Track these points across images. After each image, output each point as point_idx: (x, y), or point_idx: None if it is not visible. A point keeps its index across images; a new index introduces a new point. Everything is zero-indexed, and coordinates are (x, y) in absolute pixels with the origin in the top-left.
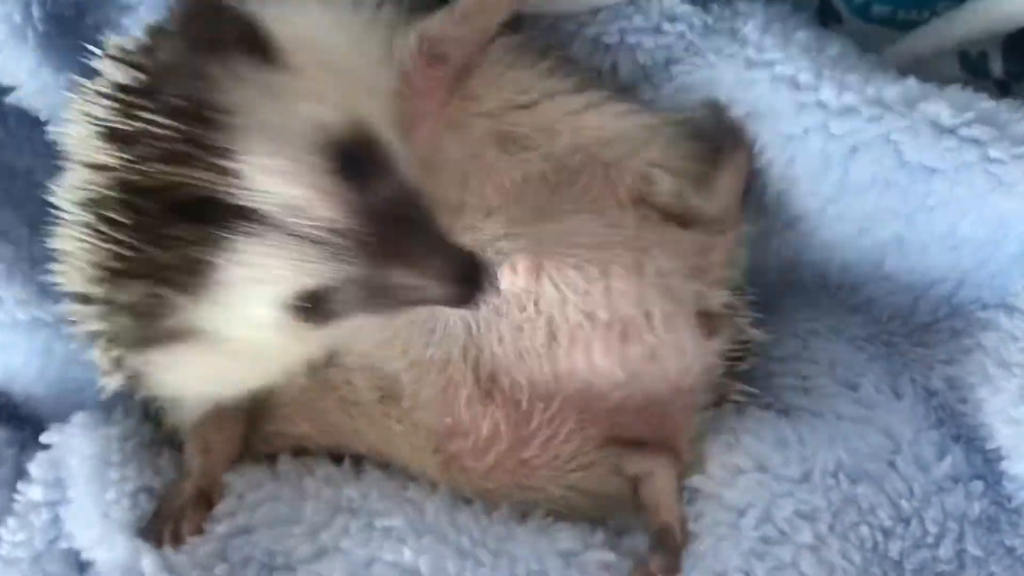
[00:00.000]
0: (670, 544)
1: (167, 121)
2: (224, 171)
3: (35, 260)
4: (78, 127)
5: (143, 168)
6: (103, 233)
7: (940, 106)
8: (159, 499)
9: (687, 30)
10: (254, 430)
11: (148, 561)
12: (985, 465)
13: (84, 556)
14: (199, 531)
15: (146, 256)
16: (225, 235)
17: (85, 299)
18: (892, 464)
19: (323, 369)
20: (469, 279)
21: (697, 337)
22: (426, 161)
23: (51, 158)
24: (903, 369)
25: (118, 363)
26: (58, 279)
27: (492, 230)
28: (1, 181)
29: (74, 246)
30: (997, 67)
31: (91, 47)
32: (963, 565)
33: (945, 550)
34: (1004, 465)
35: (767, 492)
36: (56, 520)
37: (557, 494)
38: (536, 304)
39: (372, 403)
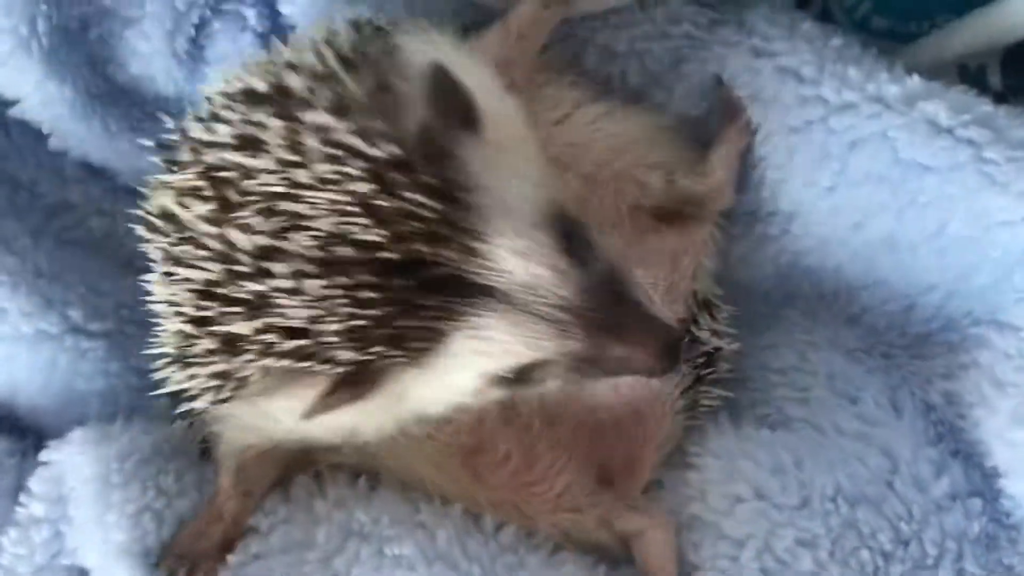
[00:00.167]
0: None
1: (425, 200)
2: (472, 251)
3: (39, 272)
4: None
5: (397, 244)
6: (334, 298)
7: (939, 106)
8: (181, 533)
9: (693, 28)
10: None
11: None
12: (984, 481)
13: None
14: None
15: (385, 322)
16: (466, 309)
17: (236, 340)
18: (891, 485)
19: None
20: (672, 353)
21: None
22: None
23: (54, 170)
24: (902, 382)
25: (215, 397)
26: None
27: None
28: (5, 192)
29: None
30: (996, 80)
31: None
32: None
33: (945, 571)
34: (1002, 483)
35: (766, 521)
36: (58, 535)
37: (548, 530)
38: None
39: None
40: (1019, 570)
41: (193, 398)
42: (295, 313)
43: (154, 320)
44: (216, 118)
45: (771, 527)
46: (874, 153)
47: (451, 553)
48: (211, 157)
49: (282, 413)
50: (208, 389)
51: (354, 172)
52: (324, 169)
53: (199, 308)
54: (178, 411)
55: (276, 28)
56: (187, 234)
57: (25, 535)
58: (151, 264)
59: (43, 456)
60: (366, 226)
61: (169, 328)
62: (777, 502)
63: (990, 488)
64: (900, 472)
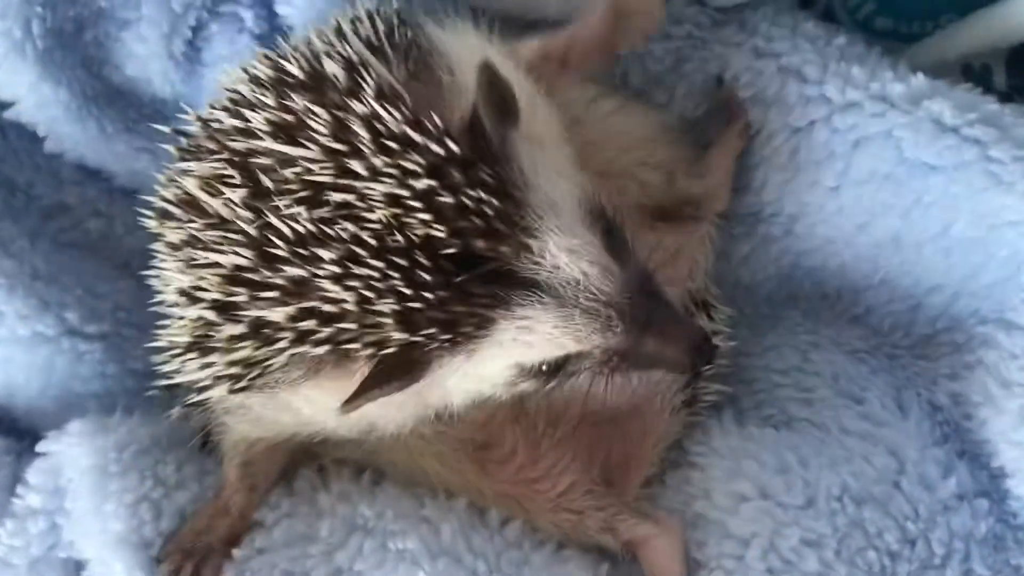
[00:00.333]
0: None
1: (484, 197)
2: (526, 247)
3: (36, 274)
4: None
5: (454, 238)
6: (391, 278)
7: (944, 105)
8: (185, 528)
9: (695, 29)
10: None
11: None
12: (991, 481)
13: (85, 574)
14: (219, 574)
15: (439, 305)
16: (515, 300)
17: (266, 326)
18: (897, 485)
19: None
20: (703, 351)
21: None
22: None
23: (51, 172)
24: (907, 383)
25: (232, 386)
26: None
27: None
28: (1, 195)
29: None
30: (1001, 80)
31: None
32: None
33: (952, 571)
34: (1009, 483)
35: (771, 520)
36: (54, 527)
37: (549, 529)
38: None
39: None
40: None
41: (202, 389)
42: (342, 296)
43: (152, 321)
44: (245, 104)
45: (776, 526)
46: (879, 152)
47: (456, 548)
48: (240, 145)
49: (304, 404)
50: (224, 378)
51: (412, 166)
52: (379, 161)
53: (227, 294)
54: (182, 402)
55: (273, 29)
56: (213, 220)
57: (21, 526)
58: (161, 253)
59: (40, 447)
60: (425, 221)
61: (186, 315)
62: (782, 501)
63: (997, 488)
64: (907, 472)
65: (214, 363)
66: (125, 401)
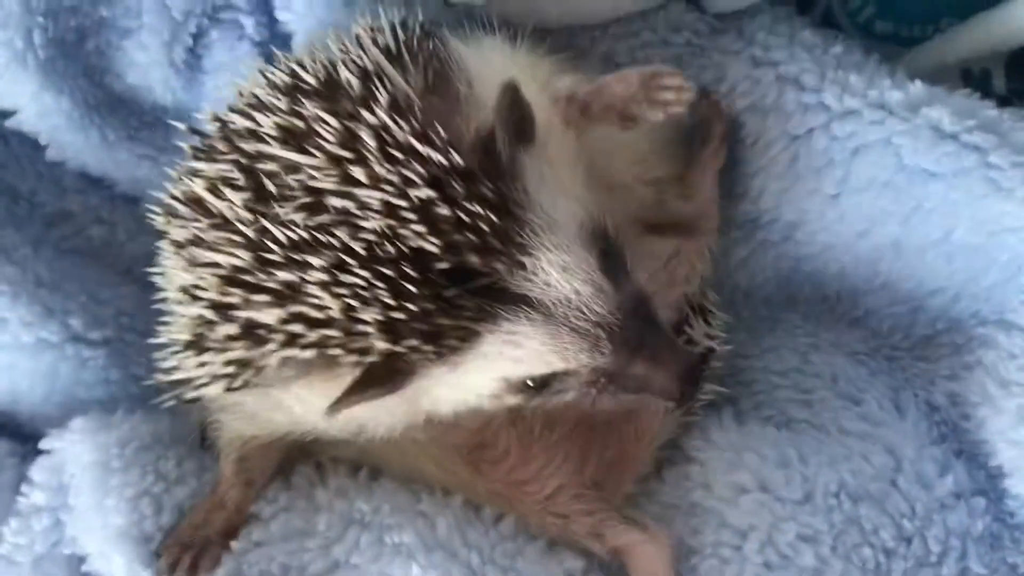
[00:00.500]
0: None
1: (483, 212)
2: (518, 264)
3: (39, 281)
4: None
5: (448, 253)
6: (376, 288)
7: (942, 112)
8: (183, 522)
9: (693, 36)
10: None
11: None
12: (988, 481)
13: (86, 568)
14: (217, 565)
15: (423, 317)
16: (503, 315)
17: (258, 327)
18: (894, 483)
19: None
20: (694, 380)
21: None
22: None
23: (53, 180)
24: (905, 384)
25: (228, 385)
26: (223, 298)
27: None
28: (4, 202)
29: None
30: (1000, 84)
31: None
32: None
33: (948, 569)
34: (1007, 483)
35: (769, 514)
36: (57, 524)
37: (538, 531)
38: None
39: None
40: (1023, 569)
41: (201, 386)
42: (328, 303)
43: (155, 328)
44: (259, 107)
45: (774, 520)
46: (878, 159)
47: (451, 542)
48: (249, 147)
49: (296, 403)
50: (220, 377)
51: (413, 176)
52: (382, 170)
53: (224, 293)
54: (182, 399)
55: (274, 36)
56: (217, 220)
57: (26, 524)
58: (166, 251)
59: (44, 444)
60: (420, 233)
61: (186, 313)
62: (781, 495)
63: (994, 488)
64: (904, 470)
65: (211, 361)
66: (128, 407)
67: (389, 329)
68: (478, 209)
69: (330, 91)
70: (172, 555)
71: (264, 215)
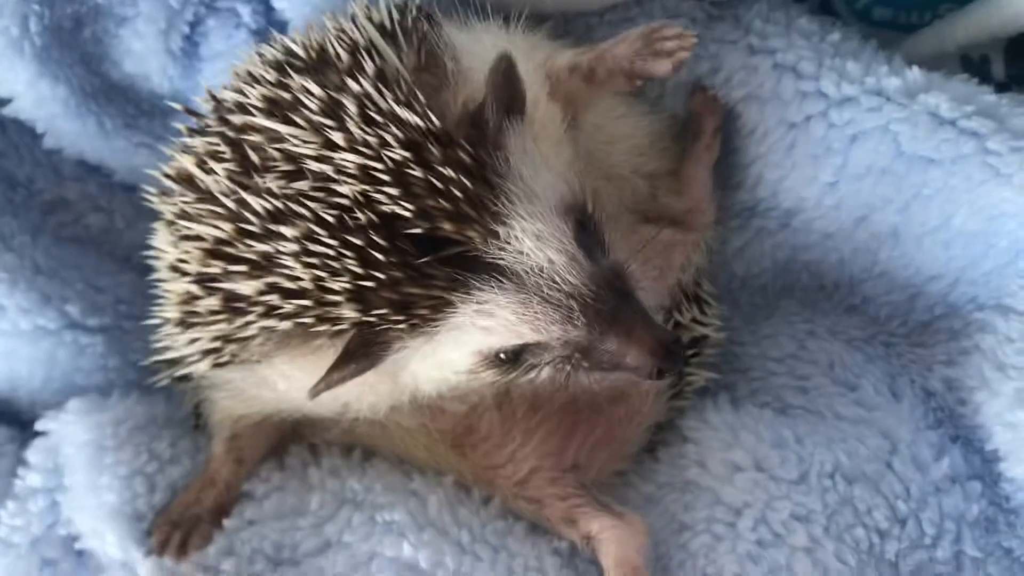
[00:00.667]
0: None
1: (456, 177)
2: (492, 232)
3: (37, 268)
4: (354, 156)
5: (420, 219)
6: (344, 257)
7: (940, 98)
8: (174, 501)
9: (689, 24)
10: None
11: (146, 569)
12: (983, 465)
13: (79, 545)
14: (208, 543)
15: (392, 285)
16: (475, 284)
17: (238, 299)
18: (889, 465)
19: None
20: (671, 357)
21: None
22: None
23: (51, 167)
24: (902, 370)
25: (215, 360)
26: (206, 270)
27: None
28: (2, 190)
29: (263, 254)
30: (999, 70)
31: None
32: (961, 566)
33: (943, 551)
34: (1002, 467)
35: (764, 493)
36: (54, 505)
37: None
38: None
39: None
40: (1018, 553)
41: (191, 363)
42: (299, 273)
43: (152, 315)
44: (248, 80)
45: (768, 499)
46: (876, 146)
47: (441, 519)
48: (237, 120)
49: (280, 379)
50: (208, 352)
51: (390, 138)
52: (360, 132)
53: (205, 266)
54: (174, 377)
55: (270, 24)
56: (203, 195)
57: (23, 507)
58: (159, 230)
59: (39, 425)
60: (393, 196)
61: (174, 289)
62: (776, 475)
63: (990, 472)
64: (899, 452)
65: (199, 337)
66: (125, 391)
67: (358, 298)
68: (452, 174)
69: (319, 65)
70: (162, 533)
71: (246, 187)
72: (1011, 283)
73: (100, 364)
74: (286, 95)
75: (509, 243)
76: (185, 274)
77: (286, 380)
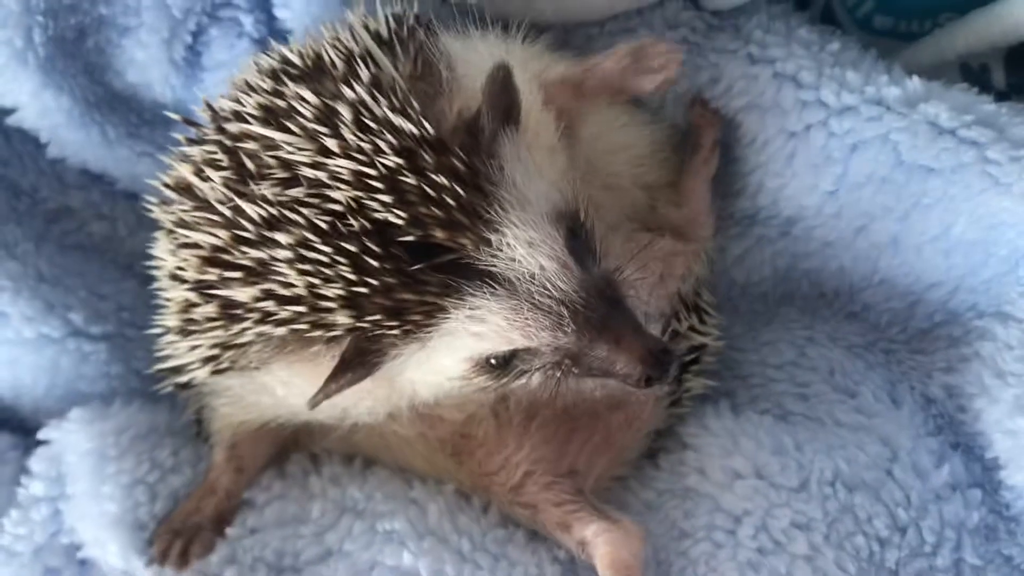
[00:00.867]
0: None
1: (450, 184)
2: (484, 239)
3: (41, 276)
4: (347, 162)
5: (413, 226)
6: (338, 263)
7: (940, 107)
8: (175, 510)
9: (690, 34)
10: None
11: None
12: (984, 473)
13: (82, 554)
14: (209, 551)
15: (385, 291)
16: (467, 290)
17: (234, 306)
18: (890, 472)
19: None
20: (660, 365)
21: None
22: None
23: (55, 176)
24: (902, 377)
25: (214, 367)
26: (203, 277)
27: None
28: (6, 198)
29: (260, 261)
30: (999, 79)
31: None
32: (960, 574)
33: (943, 559)
34: (1002, 475)
35: (764, 501)
36: (57, 514)
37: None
38: None
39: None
40: (1018, 561)
41: (191, 371)
42: (294, 280)
43: (155, 321)
44: (244, 88)
45: (768, 506)
46: (876, 156)
47: (442, 528)
48: (233, 128)
49: (278, 385)
50: (208, 359)
51: (384, 145)
52: (354, 139)
53: (203, 273)
54: (175, 384)
55: (272, 33)
56: (200, 203)
57: (25, 515)
58: (159, 239)
59: (42, 434)
60: (387, 203)
61: (173, 297)
62: (776, 482)
63: (990, 480)
64: (899, 460)
65: (198, 345)
66: (127, 398)
67: (352, 305)
68: (445, 181)
69: (315, 72)
70: (164, 542)
71: (241, 194)
72: (1010, 291)
73: (103, 372)
74: (281, 103)
75: (501, 250)
76: (184, 282)
77: (284, 386)
